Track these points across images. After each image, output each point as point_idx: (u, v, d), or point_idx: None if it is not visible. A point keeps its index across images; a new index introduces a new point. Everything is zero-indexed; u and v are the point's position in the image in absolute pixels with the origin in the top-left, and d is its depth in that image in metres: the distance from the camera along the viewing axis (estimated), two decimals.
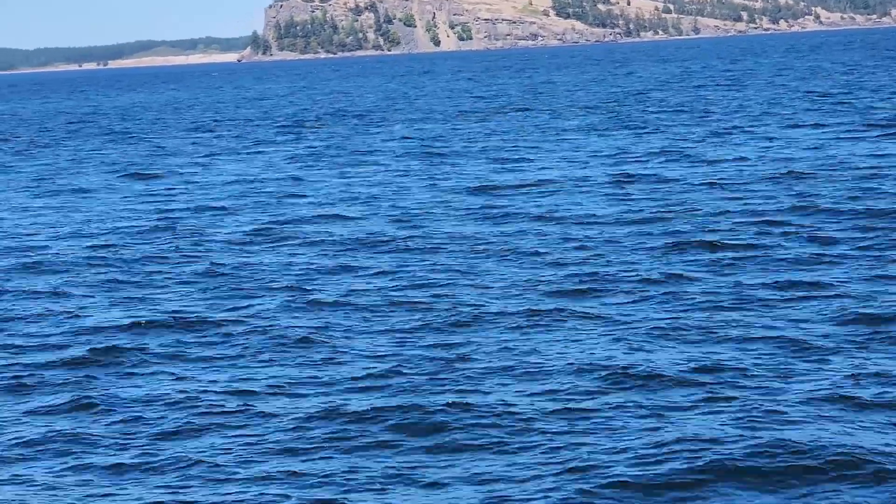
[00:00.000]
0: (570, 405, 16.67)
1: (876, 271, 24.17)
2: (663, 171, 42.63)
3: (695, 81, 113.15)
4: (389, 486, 14.31)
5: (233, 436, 16.13)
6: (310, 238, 31.95)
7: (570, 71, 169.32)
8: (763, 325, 20.47)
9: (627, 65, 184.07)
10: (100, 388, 18.63)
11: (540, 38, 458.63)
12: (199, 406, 17.40)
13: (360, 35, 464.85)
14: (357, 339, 20.93)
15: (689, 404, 16.50)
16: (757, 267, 25.18)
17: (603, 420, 16.04)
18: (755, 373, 17.76)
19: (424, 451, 15.37)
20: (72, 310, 24.35)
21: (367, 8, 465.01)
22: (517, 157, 50.65)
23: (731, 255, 26.49)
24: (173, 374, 19.30)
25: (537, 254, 27.88)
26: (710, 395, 16.85)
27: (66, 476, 15.18)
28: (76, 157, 64.32)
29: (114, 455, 15.73)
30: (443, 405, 16.76)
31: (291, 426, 16.36)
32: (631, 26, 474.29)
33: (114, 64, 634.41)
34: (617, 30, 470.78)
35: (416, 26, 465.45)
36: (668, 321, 20.93)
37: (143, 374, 19.38)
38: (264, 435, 16.12)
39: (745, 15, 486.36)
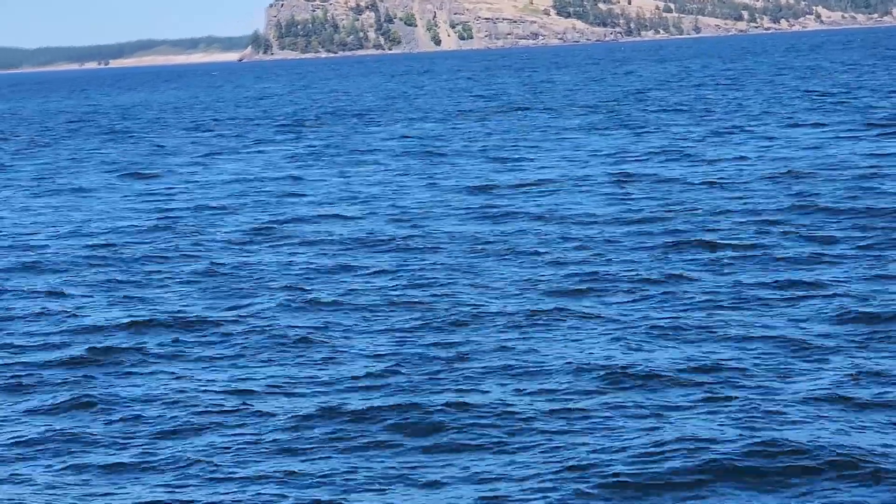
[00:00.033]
0: (569, 405, 16.67)
1: (875, 271, 24.15)
2: (663, 170, 42.62)
3: (694, 81, 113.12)
4: (388, 486, 14.31)
5: (231, 435, 16.12)
6: (309, 237, 31.95)
7: (571, 70, 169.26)
8: (762, 324, 20.46)
9: (627, 64, 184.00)
10: (99, 387, 18.62)
11: (541, 38, 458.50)
12: (198, 405, 17.39)
13: (361, 34, 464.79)
14: (356, 338, 20.92)
15: (688, 404, 16.49)
16: (756, 266, 25.16)
17: (602, 420, 16.03)
18: (754, 372, 17.75)
19: (423, 450, 15.36)
20: (71, 309, 24.34)
21: (367, 7, 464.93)
22: (517, 156, 50.63)
23: (730, 254, 26.48)
24: (172, 373, 19.30)
25: (537, 253, 27.87)
26: (709, 394, 16.84)
27: (64, 475, 15.17)
28: (76, 156, 64.31)
29: (113, 454, 15.73)
30: (442, 405, 16.75)
31: (290, 426, 16.36)
32: (632, 25, 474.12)
33: (115, 63, 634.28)
34: (618, 29, 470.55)
35: (416, 25, 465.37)
36: (668, 321, 20.92)
37: (142, 374, 19.38)
38: (263, 434, 16.12)
39: (745, 14, 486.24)
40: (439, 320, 21.78)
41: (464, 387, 17.71)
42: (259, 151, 60.91)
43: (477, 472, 14.52)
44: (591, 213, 33.60)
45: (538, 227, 31.76)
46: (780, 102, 73.87)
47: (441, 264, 27.11)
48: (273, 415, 16.79)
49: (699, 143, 51.84)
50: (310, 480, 14.53)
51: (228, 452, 15.54)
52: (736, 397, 16.60)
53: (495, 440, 15.52)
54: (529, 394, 17.22)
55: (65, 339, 21.87)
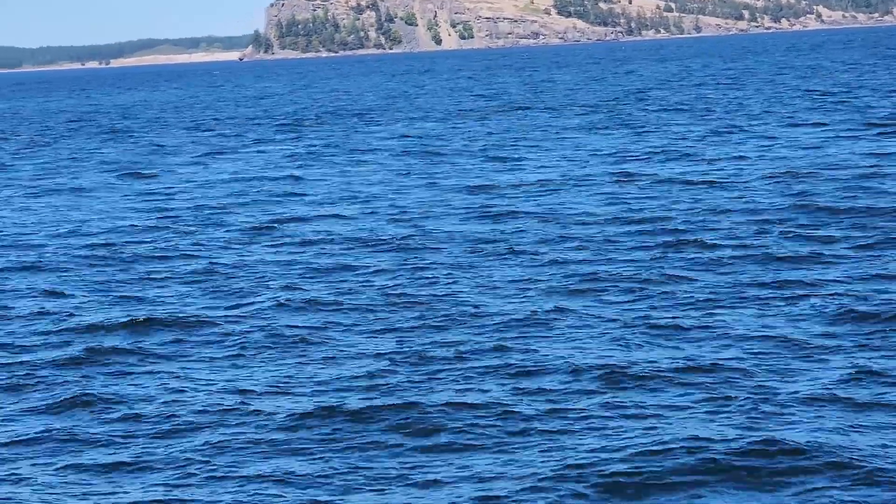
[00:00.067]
0: (568, 404, 16.65)
1: (875, 270, 24.14)
2: (663, 169, 42.61)
3: (695, 80, 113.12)
4: (387, 485, 14.30)
5: (231, 434, 16.11)
6: (309, 237, 31.94)
7: (571, 69, 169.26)
8: (762, 324, 20.44)
9: (628, 63, 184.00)
10: (98, 386, 18.61)
11: (541, 37, 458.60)
12: (198, 405, 17.38)
13: (362, 34, 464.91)
14: (356, 338, 20.91)
15: (687, 404, 16.48)
16: (756, 266, 25.15)
17: (601, 419, 16.02)
18: (754, 372, 17.73)
19: (422, 450, 15.35)
20: (70, 308, 24.34)
21: (368, 7, 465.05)
22: (517, 155, 50.62)
23: (730, 254, 26.46)
24: (171, 372, 19.29)
25: (536, 253, 27.85)
26: (708, 394, 16.83)
27: (63, 474, 15.16)
28: (76, 155, 64.31)
29: (112, 453, 15.72)
30: (441, 404, 16.74)
31: (289, 425, 16.35)
32: (632, 25, 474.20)
33: (116, 62, 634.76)
34: (618, 28, 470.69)
35: (417, 25, 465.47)
36: (667, 320, 20.90)
37: (141, 373, 19.37)
38: (262, 434, 16.10)
39: (746, 13, 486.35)
40: (439, 320, 21.77)
41: (463, 386, 17.69)
42: (259, 151, 60.90)
43: (476, 472, 14.51)
44: (591, 212, 33.59)
45: (538, 226, 31.74)
46: (781, 102, 73.86)
47: (441, 264, 27.09)
48: (272, 414, 16.78)
49: (699, 142, 51.84)
50: (309, 480, 14.52)
51: (227, 452, 15.53)
52: (735, 397, 16.58)
53: (494, 440, 15.51)
54: (529, 393, 17.21)
55: (64, 339, 21.86)
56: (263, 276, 26.81)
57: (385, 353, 19.66)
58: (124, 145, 69.97)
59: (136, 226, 35.66)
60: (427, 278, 25.55)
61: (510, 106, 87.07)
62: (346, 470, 14.80)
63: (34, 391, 18.68)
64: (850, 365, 17.85)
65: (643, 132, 58.71)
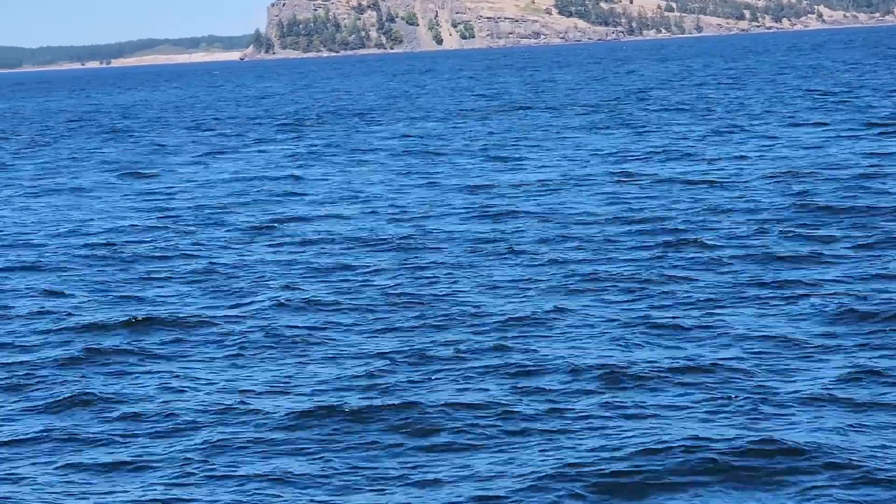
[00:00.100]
0: (568, 404, 16.65)
1: (875, 270, 24.13)
2: (664, 169, 42.60)
3: (696, 80, 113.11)
4: (387, 485, 14.29)
5: (230, 434, 16.11)
6: (309, 236, 31.93)
7: (572, 69, 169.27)
8: (761, 324, 20.43)
9: (629, 63, 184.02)
10: (98, 385, 18.61)
11: (542, 37, 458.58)
12: (197, 404, 17.38)
13: (363, 33, 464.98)
14: (355, 337, 20.90)
15: (687, 404, 16.47)
16: (756, 266, 25.13)
17: (600, 419, 16.01)
18: (753, 372, 17.73)
19: (422, 449, 15.34)
20: (70, 307, 24.34)
21: (369, 6, 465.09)
22: (518, 155, 50.62)
23: (730, 253, 26.45)
24: (171, 372, 19.28)
25: (536, 252, 27.84)
26: (707, 394, 16.82)
27: (63, 473, 15.16)
28: (77, 155, 64.32)
29: (111, 453, 15.73)
30: (441, 404, 16.73)
31: (289, 424, 16.34)
32: (633, 25, 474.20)
33: (117, 62, 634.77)
34: (619, 28, 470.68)
35: (418, 25, 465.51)
36: (667, 320, 20.89)
37: (140, 372, 19.36)
38: (261, 433, 16.10)
39: (747, 13, 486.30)
40: (439, 319, 21.76)
41: (463, 386, 17.69)
42: (260, 151, 60.91)
43: (476, 472, 14.50)
44: (591, 212, 33.58)
45: (538, 226, 31.73)
46: (782, 102, 73.85)
47: (441, 263, 27.09)
48: (272, 414, 16.77)
49: (700, 142, 51.83)
50: (308, 479, 14.52)
51: (227, 451, 15.53)
52: (735, 397, 16.58)
53: (494, 439, 15.50)
54: (528, 393, 17.20)
55: (64, 338, 21.87)
56: (263, 275, 26.81)
57: (385, 353, 19.65)
58: (124, 145, 69.98)
59: (137, 225, 35.66)
60: (427, 278, 25.54)
61: (511, 106, 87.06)
62: (345, 469, 14.79)
63: (34, 390, 18.68)
64: (849, 365, 17.84)
65: (644, 132, 58.71)
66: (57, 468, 15.35)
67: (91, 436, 16.39)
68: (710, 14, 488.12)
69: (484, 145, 56.30)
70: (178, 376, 18.98)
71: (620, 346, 19.50)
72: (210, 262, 28.55)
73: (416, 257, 28.00)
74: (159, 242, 32.10)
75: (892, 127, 52.85)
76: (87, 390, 18.31)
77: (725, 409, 16.18)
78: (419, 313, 22.29)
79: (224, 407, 17.17)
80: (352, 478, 14.53)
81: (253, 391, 17.93)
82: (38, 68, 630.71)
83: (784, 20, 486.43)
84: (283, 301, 23.73)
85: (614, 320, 21.13)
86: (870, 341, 19.13)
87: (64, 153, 65.92)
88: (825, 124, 56.23)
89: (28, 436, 16.54)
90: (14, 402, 18.18)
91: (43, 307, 24.54)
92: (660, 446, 14.77)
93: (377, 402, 17.02)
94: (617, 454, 14.66)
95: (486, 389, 17.46)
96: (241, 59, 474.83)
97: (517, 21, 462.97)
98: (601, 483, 13.95)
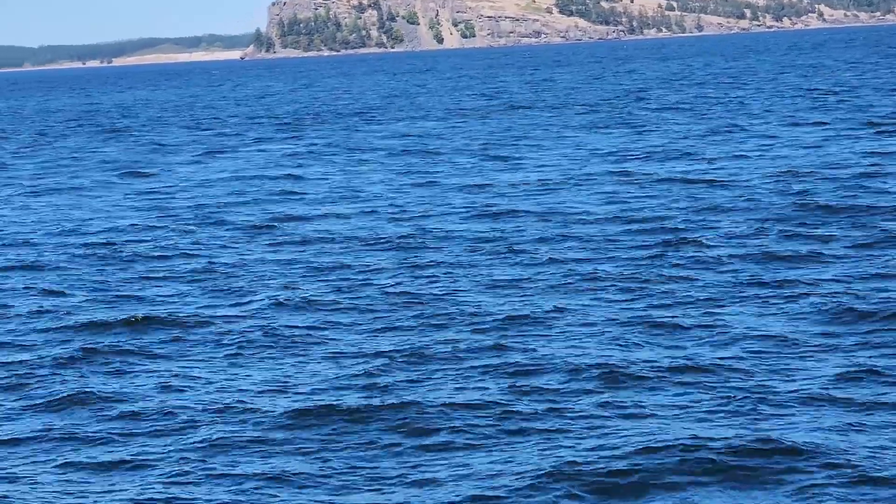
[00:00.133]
0: (567, 404, 16.64)
1: (875, 269, 24.12)
2: (664, 168, 42.60)
3: (696, 79, 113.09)
4: (386, 484, 14.29)
5: (229, 433, 16.11)
6: (309, 236, 31.93)
7: (573, 68, 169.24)
8: (761, 323, 20.43)
9: (630, 62, 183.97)
10: (97, 384, 18.61)
11: (543, 36, 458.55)
12: (197, 403, 17.38)
13: (364, 33, 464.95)
14: (354, 336, 20.90)
15: (686, 403, 16.47)
16: (755, 265, 25.13)
17: (599, 419, 16.01)
18: (752, 371, 17.72)
19: (421, 449, 15.34)
20: (69, 306, 24.34)
21: (370, 5, 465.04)
22: (517, 155, 50.61)
23: (729, 252, 26.44)
24: (170, 371, 19.28)
25: (536, 252, 27.84)
26: (706, 393, 16.82)
27: (62, 472, 15.17)
28: (76, 154, 64.32)
29: (110, 451, 15.73)
30: (440, 403, 16.73)
31: (288, 424, 16.35)
32: (634, 24, 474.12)
33: (117, 61, 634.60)
34: (620, 27, 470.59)
35: (419, 24, 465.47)
36: (666, 319, 20.89)
37: (139, 371, 19.36)
38: (260, 432, 16.10)
39: (748, 12, 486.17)
40: (438, 318, 21.76)
41: (462, 385, 17.69)
42: (259, 150, 60.90)
43: (474, 471, 14.50)
44: (591, 211, 33.57)
45: (538, 225, 31.72)
46: (782, 101, 73.83)
47: (440, 263, 27.08)
48: (271, 412, 16.78)
49: (700, 141, 51.83)
50: (307, 478, 14.52)
51: (226, 450, 15.53)
52: (734, 396, 16.57)
53: (493, 439, 15.50)
54: (527, 392, 17.20)
55: (63, 337, 21.87)
56: (263, 274, 26.80)
57: (384, 352, 19.65)
58: (124, 144, 69.98)
59: (136, 224, 35.66)
60: (426, 277, 25.54)
61: (511, 105, 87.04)
62: (344, 468, 14.79)
63: (33, 389, 18.68)
64: (848, 364, 17.84)
65: (644, 131, 58.70)
66: (56, 467, 15.36)
67: (90, 434, 16.40)
68: (711, 13, 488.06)
69: (484, 145, 56.28)
70: (177, 375, 18.97)
71: (619, 345, 19.50)
72: (209, 262, 28.54)
73: (415, 256, 27.99)
74: (159, 241, 32.09)
75: (893, 126, 52.83)
76: (87, 389, 18.31)
77: (724, 408, 16.17)
78: (418, 312, 22.28)
79: (223, 406, 17.17)
80: (350, 477, 14.53)
81: (252, 390, 17.93)
82: (39, 67, 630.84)
83: (785, 19, 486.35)
84: (282, 300, 23.73)
85: (613, 320, 21.13)
86: (869, 340, 19.13)
87: (64, 152, 65.91)
88: (825, 123, 56.22)
89: (27, 434, 16.55)
90: (13, 400, 18.19)
91: (42, 306, 24.54)
92: (658, 445, 14.76)
93: (376, 401, 17.02)
94: (616, 453, 14.66)
95: (486, 389, 17.46)
96: (242, 59, 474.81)
97: (518, 20, 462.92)
98: (600, 482, 13.94)
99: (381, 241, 30.39)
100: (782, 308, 21.40)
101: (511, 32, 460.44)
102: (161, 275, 27.41)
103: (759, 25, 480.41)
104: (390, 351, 19.71)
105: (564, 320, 21.23)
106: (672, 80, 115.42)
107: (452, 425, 15.97)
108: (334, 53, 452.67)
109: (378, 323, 21.76)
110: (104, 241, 32.61)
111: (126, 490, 14.44)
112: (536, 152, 51.12)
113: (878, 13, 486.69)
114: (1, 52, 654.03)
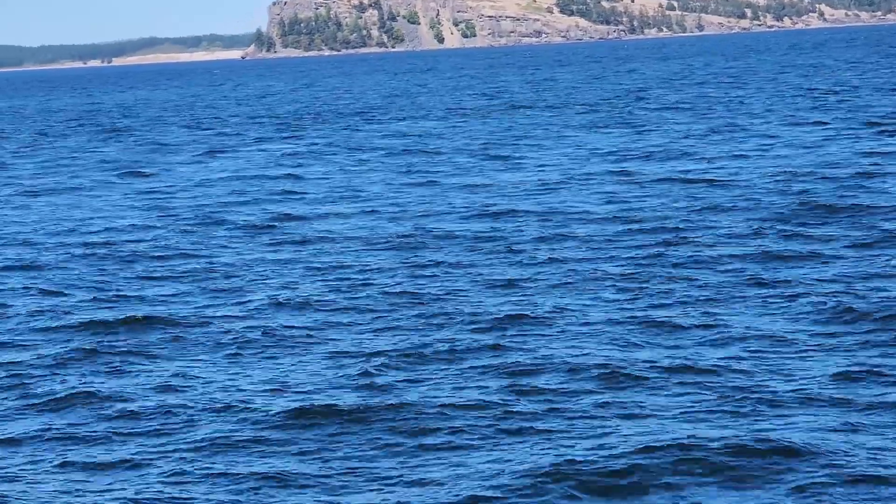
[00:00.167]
0: (566, 403, 16.64)
1: (875, 269, 24.12)
2: (663, 168, 42.60)
3: (697, 79, 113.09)
4: (385, 484, 14.29)
5: (228, 432, 16.11)
6: (308, 235, 31.93)
7: (573, 68, 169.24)
8: (760, 323, 20.43)
9: (630, 62, 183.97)
10: (96, 384, 18.61)
11: (544, 36, 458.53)
12: (196, 403, 17.38)
13: (364, 32, 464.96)
14: (354, 336, 20.90)
15: (685, 403, 16.47)
16: (755, 265, 25.12)
17: (598, 418, 16.01)
18: (751, 371, 17.72)
19: (420, 448, 15.34)
20: (69, 306, 24.34)
21: (371, 5, 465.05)
22: (518, 154, 50.61)
23: (729, 252, 26.44)
24: (170, 370, 19.29)
25: (536, 251, 27.84)
26: (705, 393, 16.81)
27: (61, 472, 15.17)
28: (77, 154, 64.33)
29: (109, 451, 15.73)
30: (439, 403, 16.73)
31: (287, 423, 16.35)
32: (635, 23, 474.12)
33: (118, 61, 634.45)
34: (621, 27, 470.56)
35: (419, 23, 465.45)
36: (665, 319, 20.88)
37: (139, 371, 19.36)
38: (260, 432, 16.10)
39: (748, 12, 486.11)
40: (438, 318, 21.76)
41: (461, 385, 17.69)
42: (260, 149, 60.91)
43: (473, 471, 14.49)
44: (590, 211, 33.58)
45: (538, 225, 31.72)
46: (783, 100, 73.83)
47: (440, 262, 27.08)
48: (270, 412, 16.78)
49: (700, 141, 51.82)
50: (306, 478, 14.52)
51: (225, 449, 15.54)
52: (733, 397, 16.57)
53: (492, 439, 15.50)
54: (527, 392, 17.19)
55: (62, 336, 21.87)
56: (262, 274, 26.81)
57: (383, 352, 19.64)
58: (125, 144, 69.99)
59: (136, 224, 35.66)
60: (426, 277, 25.54)
61: (512, 105, 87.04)
62: (343, 468, 14.79)
63: (32, 388, 18.68)
64: (848, 364, 17.83)
65: (644, 131, 58.70)
66: (55, 466, 15.36)
67: (89, 434, 16.40)
68: (712, 13, 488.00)
69: (484, 144, 56.28)
70: (176, 375, 18.97)
71: (619, 345, 19.50)
72: (209, 261, 28.55)
73: (415, 256, 27.99)
74: (158, 241, 32.09)
75: (893, 126, 52.82)
76: (86, 389, 18.31)
77: (724, 408, 16.17)
78: (418, 312, 22.29)
79: (222, 406, 17.17)
80: (349, 476, 14.53)
81: (251, 390, 17.93)
82: (40, 67, 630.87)
83: (785, 19, 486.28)
84: (281, 300, 23.73)
85: (613, 320, 21.12)
86: (869, 340, 19.12)
87: (64, 152, 65.92)
88: (825, 123, 56.22)
89: (26, 434, 16.55)
90: (12, 399, 18.19)
91: (42, 306, 24.54)
92: (658, 445, 14.76)
93: (375, 400, 17.02)
94: (615, 453, 14.65)
95: (485, 388, 17.46)
96: (243, 58, 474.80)
97: (518, 20, 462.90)
98: (599, 482, 13.94)
99: (381, 240, 30.39)
100: (782, 308, 21.40)
101: (512, 32, 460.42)
102: (161, 274, 27.41)
103: (759, 25, 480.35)
104: (389, 351, 19.71)
105: (564, 320, 21.22)
106: (672, 79, 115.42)
107: (451, 425, 15.97)
108: (335, 53, 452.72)
109: (377, 323, 21.76)
110: (104, 240, 32.61)
111: (125, 489, 14.44)
112: (537, 152, 51.12)
113: (878, 13, 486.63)
114: (1, 52, 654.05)
